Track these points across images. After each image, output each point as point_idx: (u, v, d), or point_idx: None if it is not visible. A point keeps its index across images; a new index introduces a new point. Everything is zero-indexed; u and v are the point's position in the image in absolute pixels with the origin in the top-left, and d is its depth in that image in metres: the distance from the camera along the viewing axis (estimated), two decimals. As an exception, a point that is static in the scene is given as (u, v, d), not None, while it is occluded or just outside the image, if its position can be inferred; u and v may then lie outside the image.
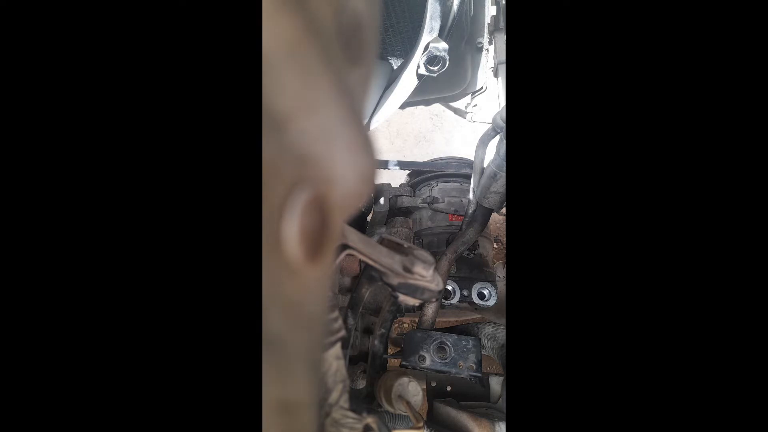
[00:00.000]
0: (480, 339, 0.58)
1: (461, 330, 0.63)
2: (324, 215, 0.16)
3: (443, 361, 0.55)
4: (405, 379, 0.50)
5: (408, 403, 0.48)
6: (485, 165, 0.60)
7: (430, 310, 0.60)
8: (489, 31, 0.90)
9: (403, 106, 0.80)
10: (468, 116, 1.17)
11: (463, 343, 0.56)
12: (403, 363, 0.55)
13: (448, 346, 0.56)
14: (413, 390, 0.49)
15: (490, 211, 0.64)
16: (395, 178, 0.90)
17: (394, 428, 0.59)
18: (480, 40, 0.91)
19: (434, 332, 0.57)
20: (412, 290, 0.47)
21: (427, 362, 0.55)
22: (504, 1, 0.82)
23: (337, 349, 0.37)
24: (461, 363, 0.55)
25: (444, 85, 0.96)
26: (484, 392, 0.62)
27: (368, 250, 0.43)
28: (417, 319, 0.60)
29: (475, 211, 0.65)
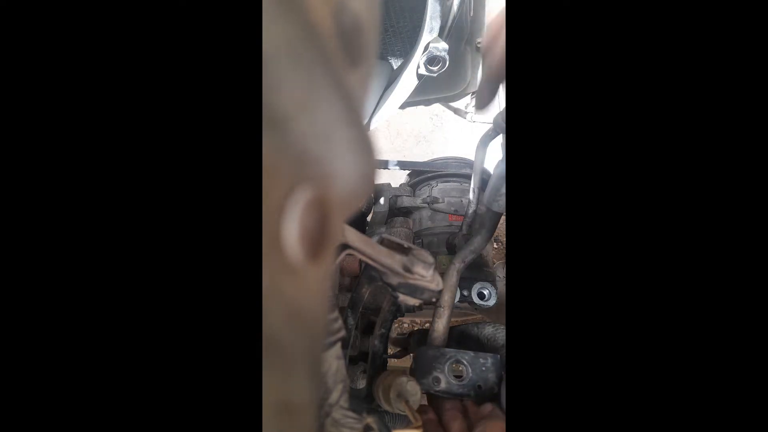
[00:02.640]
0: (499, 357, 0.51)
1: (460, 331, 0.61)
2: (324, 215, 0.16)
3: (460, 383, 0.49)
4: (404, 379, 0.49)
5: (407, 402, 0.47)
6: (494, 166, 0.56)
7: (441, 324, 0.54)
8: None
9: (403, 106, 0.80)
10: (468, 116, 1.17)
11: (482, 361, 0.50)
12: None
13: (465, 365, 0.50)
14: (412, 389, 0.48)
15: (500, 215, 0.58)
16: (395, 178, 0.90)
17: (394, 428, 0.59)
18: (480, 40, 0.91)
19: (448, 350, 0.51)
20: (412, 290, 0.47)
21: (442, 385, 0.49)
22: (504, 1, 0.82)
23: (337, 349, 0.37)
24: (480, 385, 0.49)
25: (444, 85, 0.96)
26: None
27: (368, 250, 0.43)
28: (417, 319, 0.58)
29: (483, 215, 0.60)
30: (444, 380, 0.49)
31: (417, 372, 0.50)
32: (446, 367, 0.50)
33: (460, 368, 0.50)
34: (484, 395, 0.49)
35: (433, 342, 0.54)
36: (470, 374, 0.49)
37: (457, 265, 0.57)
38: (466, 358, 0.50)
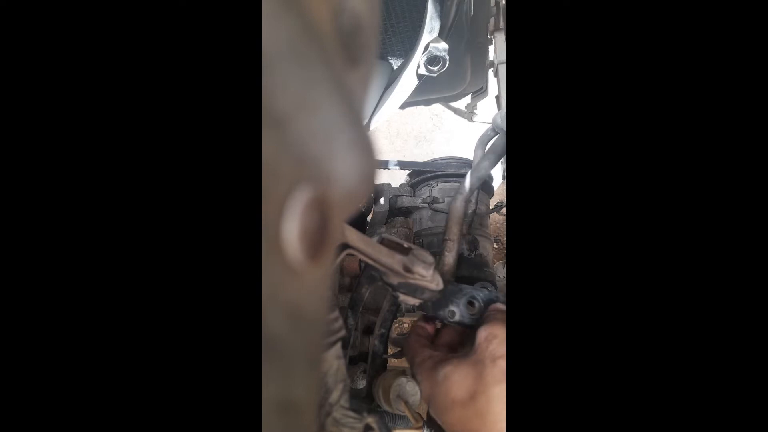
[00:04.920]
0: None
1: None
2: (324, 215, 0.16)
3: (472, 316, 0.54)
4: (403, 379, 0.49)
5: (406, 402, 0.47)
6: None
7: (450, 258, 0.58)
8: (489, 31, 0.90)
9: (403, 106, 0.80)
10: (468, 116, 1.17)
11: (492, 298, 0.55)
12: (429, 316, 0.55)
13: (478, 301, 0.55)
14: (411, 390, 0.48)
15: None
16: (395, 178, 0.90)
17: (395, 428, 0.59)
18: (480, 40, 0.91)
19: (466, 286, 0.56)
20: (413, 290, 0.47)
21: (456, 317, 0.54)
22: (504, 1, 0.83)
23: (337, 348, 0.37)
24: None
25: (444, 85, 0.96)
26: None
27: (368, 249, 0.43)
28: (417, 320, 0.59)
29: (495, 143, 0.61)
30: (458, 313, 0.54)
31: (435, 305, 0.54)
32: (462, 302, 0.54)
33: (473, 307, 0.55)
34: None
35: (444, 275, 0.56)
36: (482, 309, 0.54)
37: (464, 194, 0.59)
38: (480, 295, 0.55)
